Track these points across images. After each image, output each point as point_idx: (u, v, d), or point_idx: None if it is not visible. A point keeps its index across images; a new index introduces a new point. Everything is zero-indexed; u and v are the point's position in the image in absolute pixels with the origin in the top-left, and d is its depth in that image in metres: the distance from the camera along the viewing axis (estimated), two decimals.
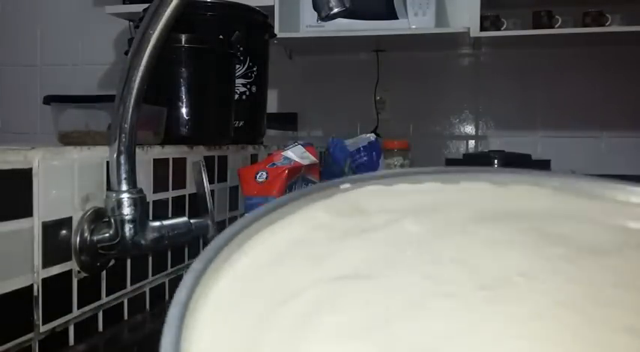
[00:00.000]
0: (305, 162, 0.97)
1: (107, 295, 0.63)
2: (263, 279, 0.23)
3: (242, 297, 0.22)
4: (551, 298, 0.21)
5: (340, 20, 1.83)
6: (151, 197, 0.70)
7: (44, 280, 0.53)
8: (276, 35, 1.37)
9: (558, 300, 0.21)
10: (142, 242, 0.60)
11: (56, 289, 0.55)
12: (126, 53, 0.71)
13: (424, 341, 0.19)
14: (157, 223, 0.62)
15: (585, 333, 0.20)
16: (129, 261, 0.67)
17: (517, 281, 0.22)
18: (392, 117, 2.31)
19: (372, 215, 0.28)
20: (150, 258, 0.72)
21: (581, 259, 0.24)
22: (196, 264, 0.22)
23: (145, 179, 0.69)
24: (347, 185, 0.30)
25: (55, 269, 0.55)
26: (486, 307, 0.21)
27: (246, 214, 0.26)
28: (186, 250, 0.80)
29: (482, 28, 1.96)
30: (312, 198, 0.29)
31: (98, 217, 0.59)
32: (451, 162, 2.10)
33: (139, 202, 0.59)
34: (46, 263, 0.54)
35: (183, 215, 0.68)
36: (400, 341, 0.19)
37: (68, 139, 0.68)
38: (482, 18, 1.97)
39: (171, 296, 0.41)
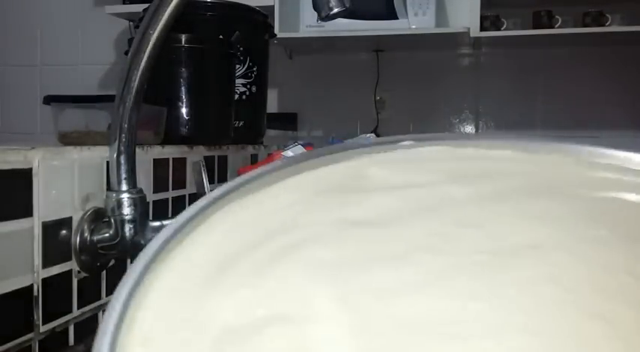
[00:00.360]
0: None
1: (107, 295, 0.63)
2: (276, 215, 0.23)
3: (241, 228, 0.22)
4: (547, 273, 0.20)
5: (340, 20, 1.83)
6: (151, 197, 0.70)
7: (44, 280, 0.53)
8: (276, 35, 1.37)
9: (553, 277, 0.20)
10: (142, 242, 0.60)
11: (56, 289, 0.55)
12: (126, 53, 0.71)
13: (384, 288, 0.19)
14: (156, 223, 0.62)
15: (555, 311, 0.19)
16: (129, 261, 0.67)
17: (523, 254, 0.21)
18: (392, 117, 2.31)
19: (420, 173, 0.27)
20: None
21: (617, 244, 0.22)
22: (216, 192, 0.23)
23: (145, 179, 0.69)
24: (408, 142, 0.29)
25: (55, 269, 0.55)
26: (472, 269, 0.20)
27: (311, 151, 0.27)
28: None
29: (483, 28, 1.96)
30: (371, 149, 0.28)
31: (98, 217, 0.59)
32: None
33: (139, 202, 0.59)
34: (46, 263, 0.54)
35: None
36: (360, 282, 0.19)
37: (68, 139, 0.68)
38: (483, 18, 1.97)
39: None
